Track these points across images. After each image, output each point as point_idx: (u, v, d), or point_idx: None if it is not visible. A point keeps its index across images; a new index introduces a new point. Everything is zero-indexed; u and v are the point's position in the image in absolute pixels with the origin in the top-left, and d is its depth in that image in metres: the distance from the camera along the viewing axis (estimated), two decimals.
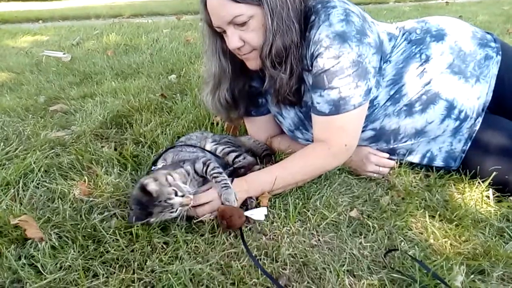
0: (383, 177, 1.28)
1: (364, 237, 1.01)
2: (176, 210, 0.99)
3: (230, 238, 1.00)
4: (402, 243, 0.99)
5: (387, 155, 1.27)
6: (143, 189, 0.98)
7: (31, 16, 6.93)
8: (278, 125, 1.45)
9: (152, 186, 0.98)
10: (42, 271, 0.87)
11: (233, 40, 1.09)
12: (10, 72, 2.58)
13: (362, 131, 1.21)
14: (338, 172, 1.27)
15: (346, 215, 1.09)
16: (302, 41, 1.10)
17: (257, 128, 1.46)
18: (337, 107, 1.09)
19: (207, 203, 1.05)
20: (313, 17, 1.09)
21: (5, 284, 0.85)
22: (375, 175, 1.28)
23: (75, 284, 0.84)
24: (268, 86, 1.21)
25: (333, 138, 1.14)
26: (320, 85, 1.09)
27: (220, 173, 1.09)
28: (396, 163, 1.29)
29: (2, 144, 1.49)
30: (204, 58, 1.31)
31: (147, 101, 1.94)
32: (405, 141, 1.24)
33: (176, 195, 0.99)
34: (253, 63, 1.17)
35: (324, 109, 1.10)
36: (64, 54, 3.07)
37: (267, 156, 1.39)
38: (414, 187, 1.23)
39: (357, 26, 1.07)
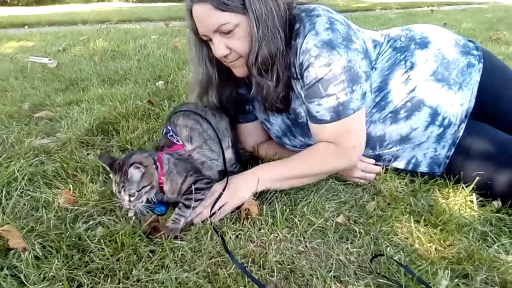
0: (369, 183, 1.29)
1: (351, 243, 1.02)
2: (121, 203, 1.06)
3: (217, 247, 0.99)
4: (388, 248, 1.00)
5: (373, 161, 1.28)
6: (131, 165, 1.03)
7: (16, 21, 6.84)
8: (266, 132, 1.46)
9: (135, 173, 1.03)
10: (25, 282, 0.86)
11: (219, 48, 1.10)
12: None
13: None
14: (325, 178, 1.28)
15: (333, 221, 1.10)
16: (287, 49, 1.11)
17: (245, 135, 1.47)
18: (337, 113, 1.10)
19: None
20: (297, 25, 1.10)
21: None
22: (361, 181, 1.29)
23: None
24: (255, 93, 1.22)
25: (340, 140, 1.14)
26: (317, 94, 1.10)
27: (186, 207, 1.08)
28: (382, 169, 1.31)
29: None
30: (190, 66, 1.31)
31: (134, 107, 1.93)
32: (391, 148, 1.25)
33: (131, 195, 1.04)
34: (239, 71, 1.18)
35: (326, 116, 1.11)
36: (50, 60, 3.03)
37: (250, 158, 1.40)
38: (400, 193, 1.24)
39: (342, 34, 1.08)
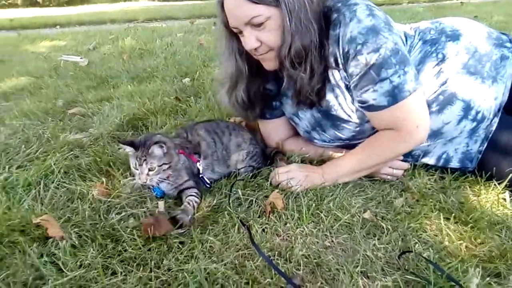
0: (397, 179, 1.28)
1: (378, 239, 1.01)
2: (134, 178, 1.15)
3: (243, 239, 1.01)
4: (417, 245, 0.99)
5: (401, 157, 1.27)
6: (155, 143, 1.11)
7: (49, 21, 7.12)
8: (290, 129, 1.46)
9: (158, 150, 1.11)
10: (63, 269, 0.90)
11: (250, 40, 1.11)
12: (29, 77, 2.66)
13: None
14: None
15: (359, 216, 1.10)
16: (324, 40, 1.11)
17: (270, 131, 1.48)
18: (394, 97, 1.09)
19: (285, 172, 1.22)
20: (334, 15, 1.10)
21: (28, 281, 0.88)
22: (388, 177, 1.27)
23: (95, 281, 0.87)
24: (286, 87, 1.23)
25: (401, 124, 1.13)
26: (370, 81, 1.09)
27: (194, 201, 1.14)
28: (410, 165, 1.29)
29: (23, 146, 1.54)
30: (220, 59, 1.33)
31: (162, 104, 1.98)
32: (420, 151, 1.23)
33: (150, 170, 1.12)
34: (270, 64, 1.18)
35: (383, 102, 1.10)
36: (81, 58, 3.14)
37: (277, 153, 1.41)
38: (429, 189, 1.22)
39: (383, 19, 1.09)
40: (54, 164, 1.34)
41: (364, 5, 1.09)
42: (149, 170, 1.12)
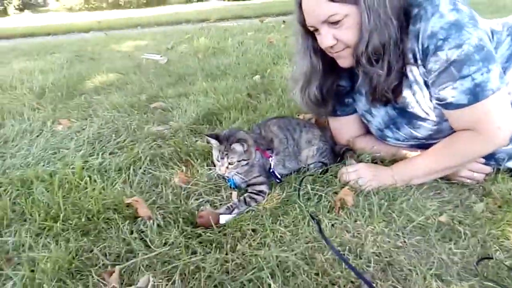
0: (477, 183, 1.21)
1: (455, 243, 0.98)
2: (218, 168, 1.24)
3: (313, 232, 1.04)
4: (498, 252, 0.94)
5: (483, 160, 1.20)
6: (237, 140, 1.19)
7: (131, 22, 7.73)
8: (361, 127, 1.45)
9: (239, 148, 1.19)
10: (150, 245, 1.01)
11: (326, 38, 1.13)
12: (117, 73, 2.93)
13: None
14: None
15: (434, 219, 1.06)
16: (403, 36, 1.10)
17: (341, 128, 1.48)
18: (475, 95, 1.04)
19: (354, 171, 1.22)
20: (415, 10, 1.08)
21: (120, 253, 1.00)
22: (468, 180, 1.21)
23: (177, 258, 0.96)
24: (361, 85, 1.22)
25: (481, 125, 1.08)
26: (450, 77, 1.06)
27: (253, 199, 1.19)
28: (493, 169, 1.21)
29: (113, 135, 1.72)
30: (295, 57, 1.36)
31: (235, 100, 2.07)
32: (507, 145, 1.15)
33: (230, 164, 1.20)
34: (345, 61, 1.19)
35: (462, 100, 1.06)
36: (161, 57, 3.38)
37: (347, 150, 1.41)
38: None
39: (467, 13, 1.05)
40: (140, 152, 1.48)
41: None
42: (229, 164, 1.20)
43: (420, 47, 1.08)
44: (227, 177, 1.26)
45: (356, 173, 1.21)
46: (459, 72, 1.04)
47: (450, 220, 1.06)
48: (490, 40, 1.12)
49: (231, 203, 1.16)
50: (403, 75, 1.16)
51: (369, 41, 1.08)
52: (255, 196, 1.19)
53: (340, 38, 1.12)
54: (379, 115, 1.31)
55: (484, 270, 0.89)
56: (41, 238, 1.05)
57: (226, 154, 1.20)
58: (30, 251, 1.00)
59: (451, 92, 1.07)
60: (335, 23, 1.10)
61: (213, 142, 1.23)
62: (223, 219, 1.09)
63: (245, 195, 1.19)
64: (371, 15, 1.06)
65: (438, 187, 1.21)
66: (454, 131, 1.15)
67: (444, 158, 1.17)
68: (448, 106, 1.10)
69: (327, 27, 1.12)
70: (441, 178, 1.24)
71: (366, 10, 1.06)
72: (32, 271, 0.93)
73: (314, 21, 1.13)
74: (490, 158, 1.19)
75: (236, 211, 1.13)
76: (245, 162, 1.22)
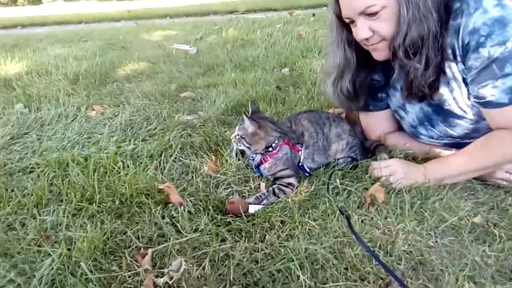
0: None
1: (489, 246, 0.95)
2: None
3: (342, 227, 1.03)
4: None
5: None
6: (252, 120, 1.23)
7: (160, 12, 7.82)
8: (393, 123, 1.42)
9: (248, 125, 1.23)
10: (181, 230, 1.03)
11: (362, 30, 1.11)
12: (148, 62, 2.98)
13: None
14: None
15: (468, 220, 1.04)
16: (443, 30, 1.06)
17: (372, 123, 1.46)
18: None
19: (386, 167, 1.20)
20: (457, 4, 1.05)
21: (153, 237, 1.02)
22: (504, 182, 1.17)
23: (207, 245, 0.98)
24: (396, 79, 1.20)
25: None
26: (491, 76, 1.03)
27: (282, 191, 1.19)
28: None
29: (145, 123, 1.76)
30: (327, 49, 1.35)
31: (263, 92, 2.07)
32: None
33: (237, 134, 1.27)
34: (380, 54, 1.17)
35: (503, 99, 1.03)
36: (190, 47, 3.42)
37: (378, 146, 1.39)
38: None
39: None
40: (171, 140, 1.51)
41: None
42: (237, 135, 1.28)
43: (460, 43, 1.05)
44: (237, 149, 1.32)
45: (388, 169, 1.19)
46: (501, 71, 1.00)
47: (485, 222, 1.03)
48: None
49: (260, 193, 1.16)
50: (441, 70, 1.12)
51: (407, 33, 1.05)
52: (284, 188, 1.19)
53: (377, 30, 1.10)
54: (413, 112, 1.28)
55: None
56: (77, 218, 1.09)
57: (240, 125, 1.28)
58: (67, 231, 1.05)
59: (492, 91, 1.03)
60: (372, 14, 1.07)
61: (250, 109, 1.34)
62: (252, 208, 1.10)
63: (274, 186, 1.20)
64: (410, 7, 1.03)
65: (472, 188, 1.18)
66: (491, 130, 1.12)
67: (479, 158, 1.14)
68: (487, 104, 1.06)
69: (364, 18, 1.09)
70: (476, 179, 1.21)
71: (405, 2, 1.03)
72: (69, 249, 0.97)
73: (350, 13, 1.11)
74: None
75: (265, 201, 1.13)
76: (246, 143, 1.26)
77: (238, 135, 1.27)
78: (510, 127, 1.06)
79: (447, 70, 1.12)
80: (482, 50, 1.01)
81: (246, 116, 1.23)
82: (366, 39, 1.13)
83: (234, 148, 1.33)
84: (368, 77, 1.31)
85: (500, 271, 0.89)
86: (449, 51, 1.08)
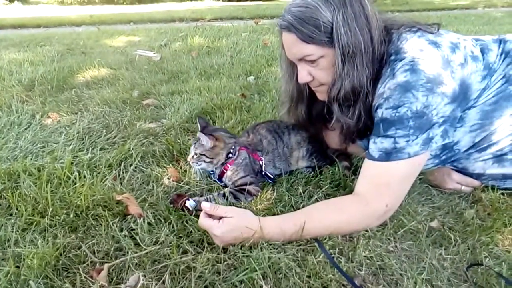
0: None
1: (445, 249, 0.99)
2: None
3: None
4: (487, 259, 0.95)
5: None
6: (208, 135, 1.22)
7: (124, 18, 7.63)
8: None
9: (206, 141, 1.22)
10: (140, 243, 0.99)
11: (301, 75, 1.11)
12: (109, 68, 2.89)
13: (443, 163, 1.17)
14: (418, 182, 1.24)
15: (425, 225, 1.07)
16: (372, 90, 1.06)
17: (333, 137, 1.46)
18: (388, 155, 1.01)
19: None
20: (384, 67, 1.05)
21: (110, 251, 0.98)
22: (456, 191, 1.22)
23: (168, 257, 0.95)
24: (334, 126, 1.23)
25: (374, 194, 1.03)
26: (376, 132, 1.04)
27: (239, 196, 1.20)
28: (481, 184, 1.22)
29: (104, 131, 1.70)
30: (281, 80, 1.33)
31: (228, 100, 2.06)
32: (490, 181, 1.18)
33: (195, 154, 1.24)
34: (322, 96, 1.17)
35: (374, 154, 1.04)
36: (154, 53, 3.35)
37: (340, 154, 1.40)
38: (502, 204, 1.16)
39: (428, 75, 0.97)
40: (132, 149, 1.46)
41: (410, 57, 0.99)
42: (194, 154, 1.24)
43: (374, 105, 1.07)
44: (197, 168, 1.28)
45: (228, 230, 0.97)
46: (384, 131, 1.02)
47: (441, 226, 1.07)
48: (467, 96, 1.05)
49: (211, 195, 1.17)
50: (373, 119, 1.11)
51: (341, 87, 1.05)
52: (236, 193, 1.19)
53: (316, 76, 1.10)
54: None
55: (474, 276, 0.90)
56: (27, 233, 1.03)
57: (195, 143, 1.25)
58: (16, 246, 0.98)
59: (371, 145, 1.05)
60: (312, 61, 1.07)
61: (198, 124, 1.31)
62: (189, 204, 1.11)
63: (227, 190, 1.20)
64: (346, 62, 1.02)
65: (429, 193, 1.22)
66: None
67: (327, 222, 1.02)
68: (366, 152, 1.08)
69: (304, 63, 1.09)
70: (432, 185, 1.25)
71: (340, 56, 1.01)
72: (18, 267, 0.91)
73: (291, 57, 1.11)
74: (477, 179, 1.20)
75: (213, 202, 1.13)
76: (207, 159, 1.23)
77: (196, 154, 1.24)
78: (366, 191, 1.04)
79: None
80: (379, 111, 1.03)
81: (202, 133, 1.22)
82: (307, 82, 1.14)
83: (196, 169, 1.27)
84: (325, 108, 1.25)
85: (456, 273, 0.92)
86: (372, 112, 1.10)
